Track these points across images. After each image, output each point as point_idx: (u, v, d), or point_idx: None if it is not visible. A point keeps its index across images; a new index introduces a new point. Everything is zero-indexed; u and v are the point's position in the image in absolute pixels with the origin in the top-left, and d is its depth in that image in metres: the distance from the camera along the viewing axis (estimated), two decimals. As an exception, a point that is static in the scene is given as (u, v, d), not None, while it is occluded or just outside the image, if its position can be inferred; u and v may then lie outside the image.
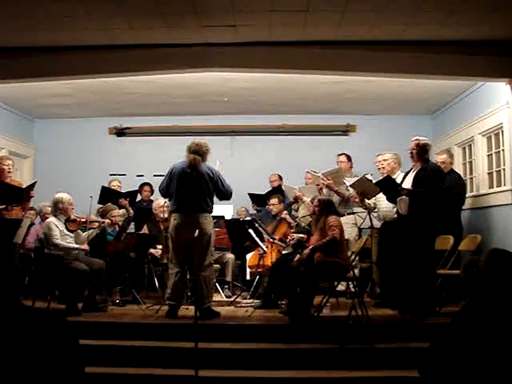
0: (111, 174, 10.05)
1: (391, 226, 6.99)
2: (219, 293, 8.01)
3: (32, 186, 7.71)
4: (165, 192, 6.88)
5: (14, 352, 2.14)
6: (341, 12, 5.83)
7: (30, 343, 2.17)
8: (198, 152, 6.67)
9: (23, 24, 6.12)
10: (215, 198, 6.80)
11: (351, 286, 6.54)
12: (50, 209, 7.75)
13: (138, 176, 10.12)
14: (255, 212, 9.39)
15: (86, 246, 7.24)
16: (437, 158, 7.93)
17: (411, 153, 6.63)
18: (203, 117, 10.60)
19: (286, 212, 8.22)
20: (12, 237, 7.20)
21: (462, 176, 8.66)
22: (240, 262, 8.67)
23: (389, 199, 6.82)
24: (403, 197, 6.45)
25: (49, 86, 8.64)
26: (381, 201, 7.31)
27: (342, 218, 6.91)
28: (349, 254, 6.88)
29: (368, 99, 9.66)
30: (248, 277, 8.34)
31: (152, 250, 7.89)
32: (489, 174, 8.28)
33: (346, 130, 10.84)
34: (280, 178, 9.57)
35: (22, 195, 7.55)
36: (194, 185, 6.57)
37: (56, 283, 7.17)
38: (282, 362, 5.56)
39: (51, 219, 7.16)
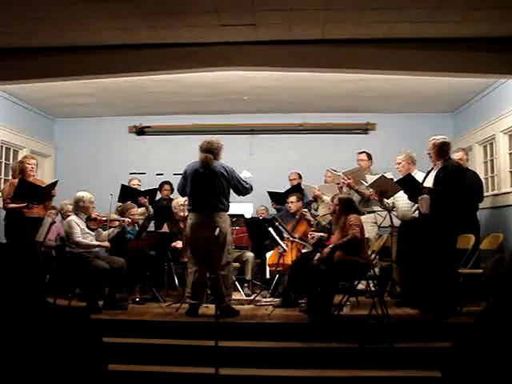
0: (131, 173, 10.10)
1: (410, 224, 6.95)
2: (239, 291, 8.02)
3: (54, 185, 7.79)
4: (182, 192, 6.92)
5: (39, 349, 2.15)
6: (360, 10, 5.81)
7: (54, 340, 2.18)
8: (210, 150, 6.66)
9: (44, 25, 6.16)
10: (235, 197, 6.81)
11: (371, 284, 6.52)
12: (70, 207, 7.81)
13: (157, 175, 10.15)
14: (275, 211, 9.37)
15: (107, 244, 7.29)
16: (453, 155, 7.85)
17: (429, 153, 6.60)
18: (223, 115, 10.62)
19: (306, 210, 8.20)
20: (34, 235, 7.27)
21: (483, 174, 8.59)
22: (259, 260, 8.67)
23: (410, 198, 6.78)
24: (424, 195, 6.41)
25: (70, 86, 8.70)
26: (399, 200, 7.27)
27: (362, 217, 6.86)
28: (369, 252, 6.85)
29: (388, 97, 9.62)
30: (268, 275, 8.34)
31: (174, 243, 7.91)
32: (510, 172, 8.21)
33: (365, 129, 10.80)
34: (299, 176, 9.55)
35: (43, 194, 7.63)
36: (207, 184, 6.57)
37: (77, 281, 7.23)
38: (302, 361, 5.55)
39: (72, 217, 7.21)
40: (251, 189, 6.85)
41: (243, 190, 6.77)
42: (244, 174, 6.90)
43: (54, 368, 2.15)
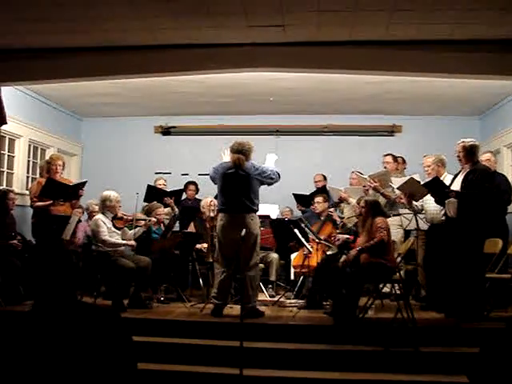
0: (156, 173, 10.16)
1: (439, 228, 6.89)
2: (263, 292, 8.01)
3: (82, 185, 7.87)
4: (214, 179, 6.91)
5: (71, 347, 2.17)
6: (389, 12, 5.77)
7: (85, 338, 2.20)
8: (241, 151, 6.68)
9: (73, 26, 6.21)
10: (261, 198, 6.81)
11: (396, 287, 6.48)
12: (97, 206, 7.88)
13: (182, 175, 10.20)
14: (300, 213, 9.35)
15: (132, 242, 7.33)
16: (481, 157, 7.76)
17: (458, 156, 6.54)
18: (248, 116, 10.64)
19: (332, 209, 8.16)
20: (60, 233, 7.34)
21: (511, 178, 8.49)
22: (284, 261, 8.66)
23: (437, 201, 6.73)
24: (451, 199, 6.36)
25: (96, 86, 8.78)
26: (428, 203, 7.21)
27: (387, 220, 6.85)
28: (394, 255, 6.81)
29: (414, 100, 9.57)
30: (292, 277, 8.33)
31: (198, 245, 7.93)
32: (539, 176, 8.10)
33: (391, 131, 10.74)
34: (324, 178, 9.52)
35: (70, 192, 7.71)
36: (239, 184, 6.59)
37: (102, 279, 7.28)
38: (326, 363, 5.52)
39: (99, 216, 7.27)
40: (279, 176, 6.84)
41: (274, 176, 6.76)
42: (270, 158, 6.94)
43: (84, 365, 2.17)
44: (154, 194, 8.56)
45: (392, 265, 6.33)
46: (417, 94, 9.20)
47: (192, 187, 9.73)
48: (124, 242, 7.27)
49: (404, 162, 8.92)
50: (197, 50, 6.74)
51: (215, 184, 7.01)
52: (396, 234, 7.62)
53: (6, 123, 7.75)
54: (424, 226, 7.43)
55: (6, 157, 8.89)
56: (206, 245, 7.86)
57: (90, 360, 2.18)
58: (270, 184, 6.85)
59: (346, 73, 7.45)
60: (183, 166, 10.50)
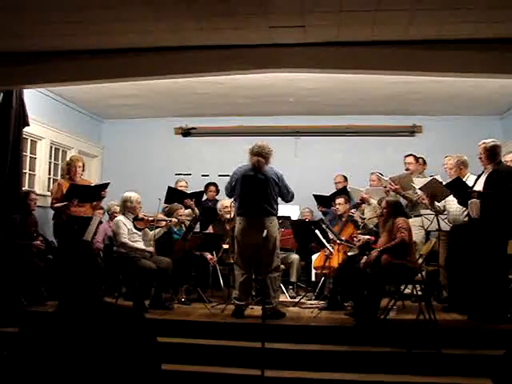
0: (177, 174, 10.19)
1: (461, 229, 6.84)
2: (283, 293, 8.00)
3: (105, 187, 7.91)
4: (229, 193, 6.94)
5: (97, 347, 2.18)
6: (411, 11, 5.72)
7: (110, 339, 2.21)
8: (261, 154, 6.68)
9: (95, 28, 6.25)
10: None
11: (418, 289, 6.43)
12: (118, 207, 7.91)
13: (203, 176, 10.23)
14: (321, 213, 9.32)
15: (152, 249, 7.34)
16: (505, 158, 7.69)
17: (480, 158, 6.49)
18: (268, 117, 10.62)
19: (354, 210, 8.14)
20: (82, 234, 7.39)
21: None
22: (304, 262, 8.64)
23: (460, 202, 6.68)
24: (474, 199, 6.30)
25: (117, 87, 8.81)
26: (450, 204, 7.16)
27: (409, 220, 6.81)
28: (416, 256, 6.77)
29: (435, 99, 9.49)
30: (313, 278, 8.31)
31: (208, 256, 7.96)
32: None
33: (412, 131, 10.67)
34: (345, 179, 9.48)
35: (91, 194, 7.77)
36: (258, 187, 6.58)
37: (124, 280, 7.31)
38: (348, 365, 5.52)
39: (120, 217, 7.30)
40: (293, 197, 6.89)
41: (289, 196, 6.81)
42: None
43: (111, 365, 2.17)
44: (174, 195, 8.57)
45: (413, 266, 6.30)
46: (437, 94, 9.14)
47: (212, 188, 9.75)
48: (143, 247, 7.27)
49: (424, 163, 8.86)
50: (218, 51, 6.73)
51: (228, 196, 7.06)
52: (417, 235, 7.57)
53: (28, 125, 7.82)
54: (446, 226, 7.38)
55: (28, 158, 8.96)
56: (226, 246, 7.88)
57: (114, 361, 2.18)
58: (284, 198, 6.84)
59: (366, 73, 7.41)
60: (203, 167, 10.55)
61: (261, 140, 6.97)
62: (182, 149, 11.08)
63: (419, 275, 6.37)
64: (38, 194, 7.99)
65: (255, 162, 6.62)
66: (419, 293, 6.58)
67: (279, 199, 6.85)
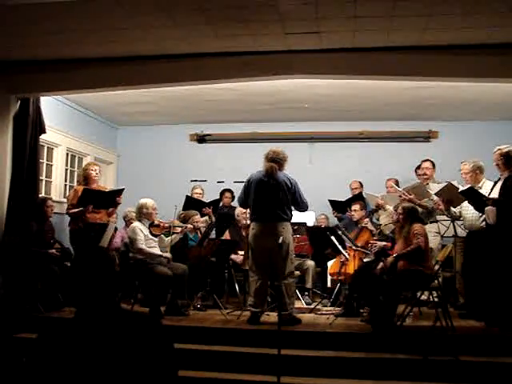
0: (192, 180, 10.21)
1: (478, 235, 6.79)
2: (299, 300, 7.99)
3: (120, 193, 7.94)
4: (242, 202, 6.94)
5: (114, 353, 2.19)
6: (426, 17, 5.71)
7: (128, 345, 2.22)
8: (276, 160, 6.68)
9: (111, 36, 6.30)
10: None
11: (434, 295, 6.39)
12: (134, 214, 7.94)
13: (218, 182, 10.24)
14: (336, 219, 9.30)
15: (168, 255, 7.36)
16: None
17: (497, 165, 6.45)
18: (283, 123, 10.61)
19: (367, 220, 8.11)
20: (98, 241, 7.42)
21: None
22: (320, 269, 8.62)
23: (477, 209, 6.63)
24: (490, 206, 6.26)
25: (132, 94, 8.86)
26: (466, 209, 7.11)
27: (425, 227, 6.77)
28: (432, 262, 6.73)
29: (451, 105, 9.44)
30: (329, 284, 8.29)
31: (233, 256, 7.96)
32: None
33: (427, 137, 10.61)
34: (361, 185, 9.45)
35: (106, 200, 7.80)
36: (271, 193, 6.58)
37: (140, 287, 7.33)
38: (364, 372, 5.49)
39: (136, 224, 7.33)
40: (307, 209, 6.87)
41: (302, 205, 6.77)
42: None
43: (129, 371, 2.18)
44: (192, 204, 8.60)
45: (430, 272, 6.26)
46: (453, 99, 9.09)
47: (228, 194, 9.77)
48: (159, 253, 7.30)
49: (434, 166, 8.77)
50: (233, 58, 6.77)
51: (241, 206, 7.07)
52: (433, 241, 7.53)
53: (45, 132, 7.88)
54: (462, 232, 7.33)
55: (44, 165, 9.02)
56: (241, 255, 7.88)
57: (132, 367, 2.19)
58: (298, 207, 6.83)
59: (382, 79, 7.41)
60: (219, 174, 10.56)
61: (276, 146, 6.97)
62: (196, 155, 11.10)
63: (435, 281, 6.33)
64: (54, 201, 8.04)
65: (268, 168, 6.62)
66: (436, 299, 6.54)
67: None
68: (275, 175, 6.61)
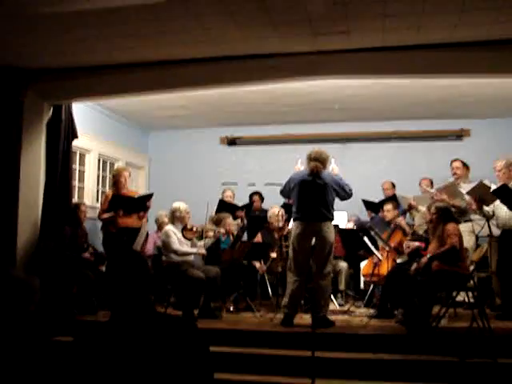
0: (223, 183, 10.22)
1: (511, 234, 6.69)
2: (332, 301, 7.94)
3: (149, 198, 8.00)
4: (286, 194, 6.95)
5: (151, 356, 2.19)
6: (457, 13, 5.63)
7: (164, 348, 2.22)
8: (319, 159, 6.68)
9: (140, 41, 6.35)
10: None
11: (470, 296, 6.30)
12: (166, 218, 7.99)
13: (249, 185, 10.24)
14: (368, 219, 9.23)
15: (203, 251, 7.41)
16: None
17: None
18: (313, 125, 10.58)
19: (402, 217, 8.03)
20: (131, 245, 7.48)
21: None
22: (353, 270, 8.56)
23: (510, 208, 6.52)
24: (524, 204, 6.16)
25: (162, 99, 8.93)
26: (500, 208, 7.01)
27: (459, 226, 6.68)
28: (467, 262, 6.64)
29: (483, 102, 9.31)
30: (362, 286, 8.24)
31: (257, 265, 7.94)
32: None
33: (459, 135, 10.48)
34: (393, 185, 9.36)
35: (136, 205, 7.87)
36: (316, 193, 6.57)
37: (173, 290, 7.36)
38: (399, 374, 5.42)
39: (169, 227, 7.37)
40: (351, 194, 6.82)
41: (347, 195, 6.75)
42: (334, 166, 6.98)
43: (166, 374, 2.19)
44: (225, 207, 8.61)
45: (465, 272, 6.18)
46: (485, 97, 8.97)
47: (257, 197, 9.75)
48: (195, 250, 7.36)
49: (468, 168, 8.65)
50: (262, 60, 6.75)
51: (285, 197, 7.03)
52: (468, 241, 7.41)
53: (77, 138, 7.97)
54: (497, 231, 7.22)
55: (77, 171, 9.13)
56: (274, 254, 7.87)
57: (168, 370, 2.19)
58: (343, 198, 6.79)
59: (412, 77, 7.36)
60: (249, 176, 10.55)
61: (309, 147, 6.96)
62: (227, 158, 11.13)
63: (471, 282, 6.24)
64: (87, 206, 8.12)
65: (313, 168, 6.61)
66: (471, 300, 6.44)
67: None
68: (320, 174, 6.61)
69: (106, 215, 7.85)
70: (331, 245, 6.56)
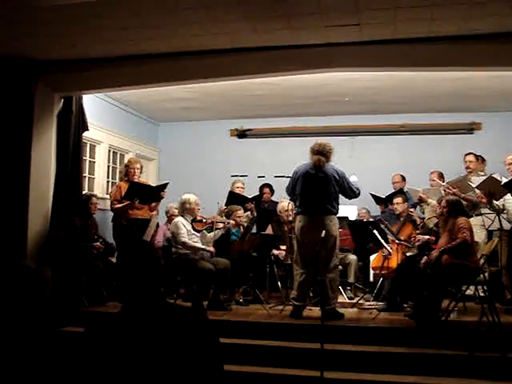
0: (233, 175, 10.22)
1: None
2: (341, 294, 7.94)
3: (164, 187, 8.01)
4: (290, 193, 6.94)
5: (161, 347, 2.20)
6: (469, 5, 5.59)
7: (175, 339, 2.23)
8: (322, 152, 6.65)
9: (152, 33, 6.35)
10: (340, 199, 6.75)
11: (480, 290, 6.28)
12: (176, 210, 8.00)
13: (259, 177, 10.24)
14: (379, 213, 9.20)
15: (211, 248, 7.39)
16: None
17: None
18: (323, 117, 10.56)
19: (412, 209, 8.01)
20: (141, 236, 7.50)
21: None
22: (362, 263, 8.55)
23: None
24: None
25: (173, 91, 8.93)
26: (510, 202, 6.98)
27: (470, 220, 6.66)
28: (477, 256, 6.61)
29: (495, 95, 9.24)
30: (371, 279, 8.23)
31: (275, 251, 7.95)
32: None
33: (470, 129, 10.43)
34: (403, 178, 9.31)
35: (153, 194, 7.88)
36: (318, 186, 6.56)
37: (182, 281, 7.38)
38: (408, 367, 5.43)
39: (179, 219, 7.38)
40: (359, 193, 6.80)
41: (352, 193, 6.75)
42: (352, 179, 6.89)
43: (176, 365, 2.19)
44: (235, 199, 8.61)
45: (475, 266, 6.16)
46: (497, 90, 8.90)
47: (267, 190, 9.73)
48: (203, 246, 7.34)
49: (483, 161, 8.63)
50: (273, 52, 6.73)
51: (289, 195, 7.04)
52: (479, 235, 7.39)
53: (87, 130, 7.99)
54: (508, 225, 7.19)
55: (87, 162, 9.16)
56: (283, 251, 7.87)
57: (179, 361, 2.20)
58: (349, 196, 6.80)
59: (423, 70, 7.31)
60: (259, 169, 10.56)
61: (318, 139, 6.94)
62: (237, 150, 11.13)
63: (481, 276, 6.22)
64: (98, 198, 8.15)
65: (316, 161, 6.59)
66: (481, 294, 6.42)
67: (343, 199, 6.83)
68: (323, 168, 6.59)
69: (119, 205, 7.87)
70: (335, 238, 6.56)
